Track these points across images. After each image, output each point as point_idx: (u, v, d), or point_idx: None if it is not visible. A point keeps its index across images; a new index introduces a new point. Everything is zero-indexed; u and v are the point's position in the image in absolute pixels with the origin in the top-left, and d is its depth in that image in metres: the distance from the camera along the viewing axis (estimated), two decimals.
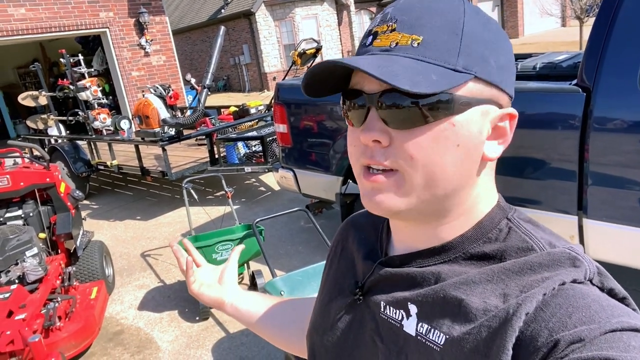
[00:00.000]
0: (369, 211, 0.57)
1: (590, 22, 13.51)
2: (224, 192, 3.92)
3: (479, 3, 21.13)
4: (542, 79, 3.32)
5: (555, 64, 3.36)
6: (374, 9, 20.43)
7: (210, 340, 3.16)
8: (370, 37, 0.54)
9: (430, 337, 0.52)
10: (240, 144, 5.58)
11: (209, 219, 5.10)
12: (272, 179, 6.18)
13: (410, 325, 0.55)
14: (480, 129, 0.53)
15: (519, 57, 3.85)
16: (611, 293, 0.49)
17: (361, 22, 20.07)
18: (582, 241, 2.49)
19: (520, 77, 3.46)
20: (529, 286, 0.49)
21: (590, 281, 0.49)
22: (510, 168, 2.61)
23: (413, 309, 0.55)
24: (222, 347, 3.07)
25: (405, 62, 0.49)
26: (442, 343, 0.51)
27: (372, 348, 0.60)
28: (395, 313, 0.58)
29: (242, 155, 5.57)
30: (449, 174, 0.52)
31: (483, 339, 0.48)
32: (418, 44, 0.50)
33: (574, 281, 0.48)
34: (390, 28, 0.52)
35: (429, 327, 0.53)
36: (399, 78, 0.47)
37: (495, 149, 0.55)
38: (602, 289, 0.49)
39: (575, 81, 2.40)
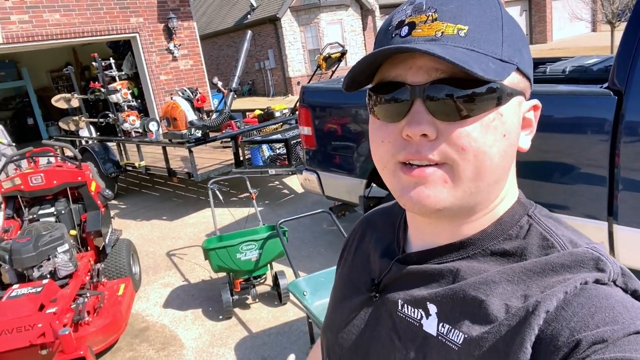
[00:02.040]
0: (404, 208, 0.56)
1: (622, 26, 13.18)
2: (248, 194, 3.97)
3: (506, 8, 20.85)
4: (571, 82, 3.26)
5: (585, 67, 3.30)
6: None
7: (233, 339, 3.20)
8: (406, 27, 0.51)
9: (450, 337, 0.52)
10: (264, 147, 5.64)
11: (234, 219, 5.16)
12: (295, 182, 6.22)
13: (431, 325, 0.55)
14: (518, 120, 0.54)
15: (548, 60, 3.79)
16: (635, 294, 0.48)
17: None
18: (612, 248, 2.43)
19: (550, 80, 3.41)
20: (551, 287, 0.48)
21: (614, 282, 0.48)
22: (538, 172, 2.57)
23: (432, 308, 0.55)
24: (244, 346, 3.10)
25: (460, 50, 0.48)
26: (460, 342, 0.51)
27: (389, 346, 0.59)
28: (414, 312, 0.57)
29: (266, 157, 5.63)
30: (495, 165, 0.51)
31: (502, 337, 0.47)
32: (465, 33, 0.49)
33: (597, 281, 0.47)
34: (431, 18, 0.50)
35: (450, 327, 0.52)
36: (470, 64, 0.45)
37: (526, 140, 0.56)
38: (625, 290, 0.48)
39: (606, 84, 2.36)
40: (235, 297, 3.46)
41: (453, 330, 0.52)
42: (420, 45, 0.48)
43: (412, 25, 0.50)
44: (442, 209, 0.52)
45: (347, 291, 0.70)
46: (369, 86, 0.57)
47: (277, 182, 6.66)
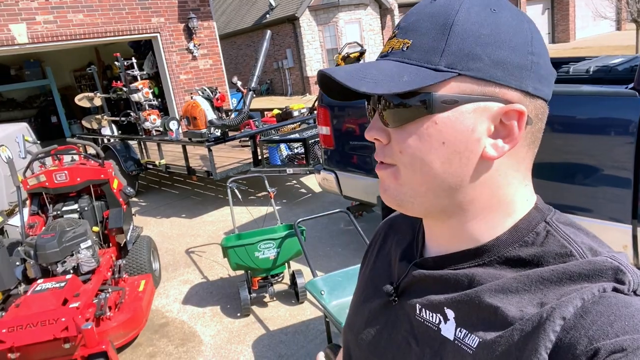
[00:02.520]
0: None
1: None
2: (266, 193, 3.99)
3: (527, 6, 20.55)
4: (595, 82, 3.21)
5: (610, 67, 3.24)
6: None
7: (250, 337, 3.23)
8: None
9: (466, 342, 0.53)
10: (282, 146, 5.67)
11: (252, 218, 5.20)
12: (313, 181, 6.23)
13: (448, 330, 0.55)
14: (472, 127, 0.51)
15: (571, 60, 3.73)
16: None
17: None
18: (636, 251, 2.38)
19: (573, 80, 3.36)
20: (567, 295, 0.47)
21: (634, 292, 0.47)
22: (561, 174, 2.54)
23: (450, 313, 0.55)
24: (261, 344, 3.13)
25: (384, 65, 0.53)
26: (475, 346, 0.51)
27: (406, 349, 0.60)
28: (432, 316, 0.58)
29: (284, 156, 5.65)
30: (437, 171, 0.53)
31: (515, 342, 0.48)
32: (407, 47, 0.53)
33: (616, 290, 0.47)
34: (393, 35, 0.56)
35: (467, 332, 0.53)
36: (363, 82, 0.51)
37: (497, 148, 0.52)
38: None
39: (632, 85, 2.31)
40: (253, 295, 3.49)
41: (469, 335, 0.53)
42: (340, 68, 0.54)
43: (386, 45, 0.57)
44: (400, 205, 0.57)
45: (368, 293, 0.71)
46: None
47: (294, 182, 6.69)
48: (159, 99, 10.39)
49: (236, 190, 4.00)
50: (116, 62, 6.55)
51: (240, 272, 3.67)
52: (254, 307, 3.55)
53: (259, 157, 5.62)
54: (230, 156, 6.29)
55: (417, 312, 0.60)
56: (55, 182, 3.74)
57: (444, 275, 0.58)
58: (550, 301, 0.48)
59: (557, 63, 3.76)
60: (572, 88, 2.61)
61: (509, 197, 0.56)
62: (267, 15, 18.31)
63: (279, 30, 17.82)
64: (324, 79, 0.56)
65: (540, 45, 0.53)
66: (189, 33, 10.09)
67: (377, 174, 0.59)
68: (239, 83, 6.27)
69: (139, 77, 6.76)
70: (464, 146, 0.52)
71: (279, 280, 3.66)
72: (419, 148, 0.52)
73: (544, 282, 0.50)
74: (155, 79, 10.40)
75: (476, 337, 0.51)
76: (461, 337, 0.53)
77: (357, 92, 0.58)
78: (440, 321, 0.56)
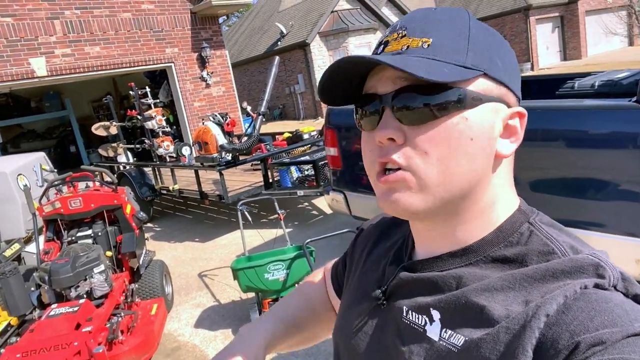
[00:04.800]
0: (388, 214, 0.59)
1: None
2: (277, 215, 4.02)
3: (537, 25, 20.62)
4: (601, 97, 3.20)
5: (615, 81, 3.24)
6: None
7: None
8: (382, 46, 0.57)
9: (451, 341, 0.53)
10: (293, 168, 5.72)
11: (263, 240, 5.22)
12: (324, 203, 6.24)
13: (434, 331, 0.56)
14: (491, 125, 0.55)
15: (577, 75, 3.74)
16: (636, 299, 0.49)
17: None
18: None
19: (578, 95, 3.36)
20: (551, 292, 0.49)
21: (614, 287, 0.49)
22: (568, 189, 2.52)
23: (436, 314, 0.56)
24: None
25: (416, 59, 0.52)
26: (460, 344, 0.52)
27: (394, 352, 0.61)
28: (418, 318, 0.59)
29: (295, 179, 5.70)
30: (463, 169, 0.53)
31: (501, 340, 0.49)
32: (428, 45, 0.53)
33: (597, 286, 0.48)
34: (400, 35, 0.55)
35: (452, 332, 0.54)
36: (415, 68, 0.49)
37: (508, 147, 0.57)
38: (626, 295, 0.49)
39: (635, 98, 2.31)
40: None
41: (455, 334, 0.53)
42: (378, 57, 0.53)
43: (386, 43, 0.57)
44: (415, 212, 0.55)
45: (357, 296, 0.72)
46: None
47: (306, 203, 6.71)
48: (174, 127, 10.61)
49: (246, 213, 4.04)
50: (131, 92, 6.74)
51: (252, 294, 3.67)
52: None
53: (270, 180, 5.67)
54: (242, 180, 6.36)
55: (404, 314, 0.61)
56: (70, 208, 3.83)
57: (431, 277, 0.59)
58: (534, 299, 0.49)
59: (563, 79, 3.77)
60: (574, 103, 2.61)
61: (497, 199, 0.58)
62: (279, 43, 18.70)
63: (290, 56, 18.16)
64: (341, 73, 0.56)
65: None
66: (202, 62, 10.35)
67: (386, 183, 0.55)
68: (249, 108, 6.39)
69: (152, 106, 6.93)
70: (487, 143, 0.54)
71: None
72: (449, 145, 0.52)
73: (528, 280, 0.51)
74: (171, 107, 10.64)
75: (462, 336, 0.52)
76: (446, 338, 0.54)
77: (352, 95, 0.59)
78: (425, 322, 0.57)
